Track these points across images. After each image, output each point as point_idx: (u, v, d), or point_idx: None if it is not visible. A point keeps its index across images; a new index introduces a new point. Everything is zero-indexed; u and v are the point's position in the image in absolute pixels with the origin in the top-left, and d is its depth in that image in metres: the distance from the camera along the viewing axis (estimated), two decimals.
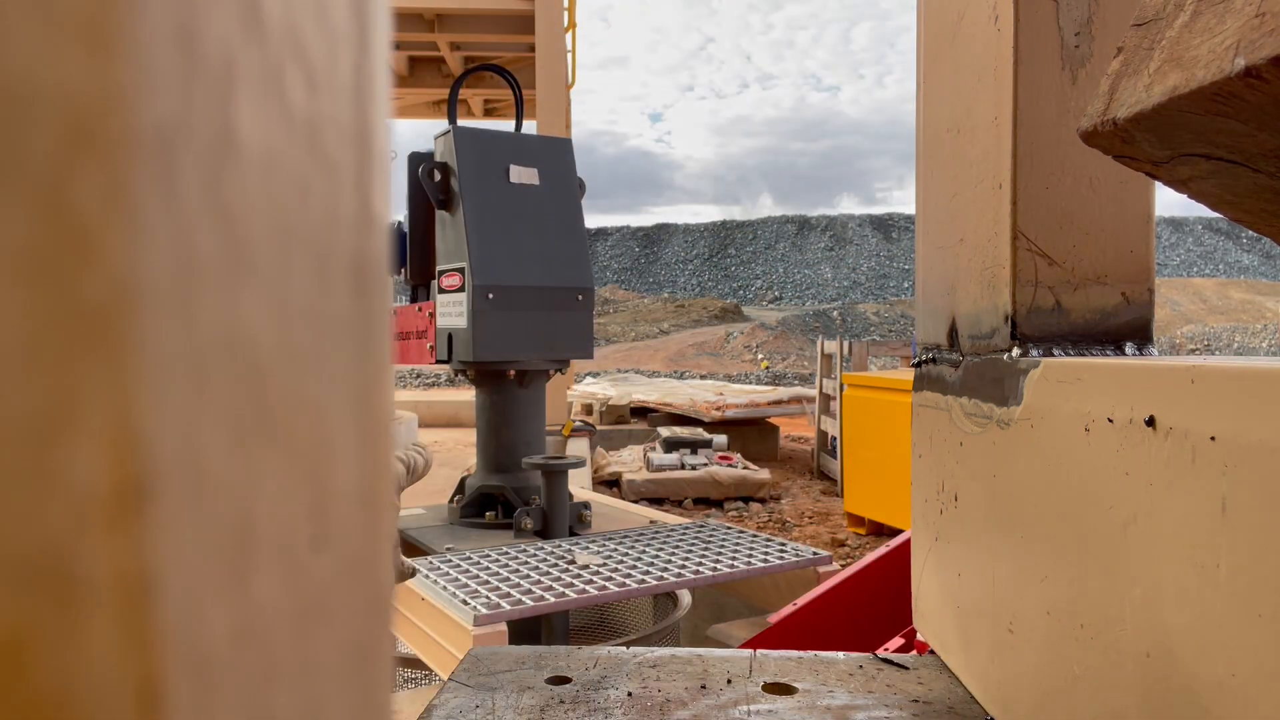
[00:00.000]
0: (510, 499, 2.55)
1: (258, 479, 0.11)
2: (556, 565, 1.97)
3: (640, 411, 10.39)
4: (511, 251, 2.54)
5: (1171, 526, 0.41)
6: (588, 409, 10.08)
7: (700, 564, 2.01)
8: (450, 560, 2.02)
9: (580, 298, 2.64)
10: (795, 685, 0.73)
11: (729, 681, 0.74)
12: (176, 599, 0.09)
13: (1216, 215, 0.42)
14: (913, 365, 0.83)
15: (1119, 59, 0.40)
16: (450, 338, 2.56)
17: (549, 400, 3.54)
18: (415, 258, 2.78)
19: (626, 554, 2.09)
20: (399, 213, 2.89)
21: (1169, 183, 0.42)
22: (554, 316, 2.61)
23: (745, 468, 7.50)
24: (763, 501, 7.27)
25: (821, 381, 8.64)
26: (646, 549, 2.14)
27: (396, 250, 2.86)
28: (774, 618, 1.87)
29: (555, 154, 2.73)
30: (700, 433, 8.27)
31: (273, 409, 0.12)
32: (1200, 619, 0.39)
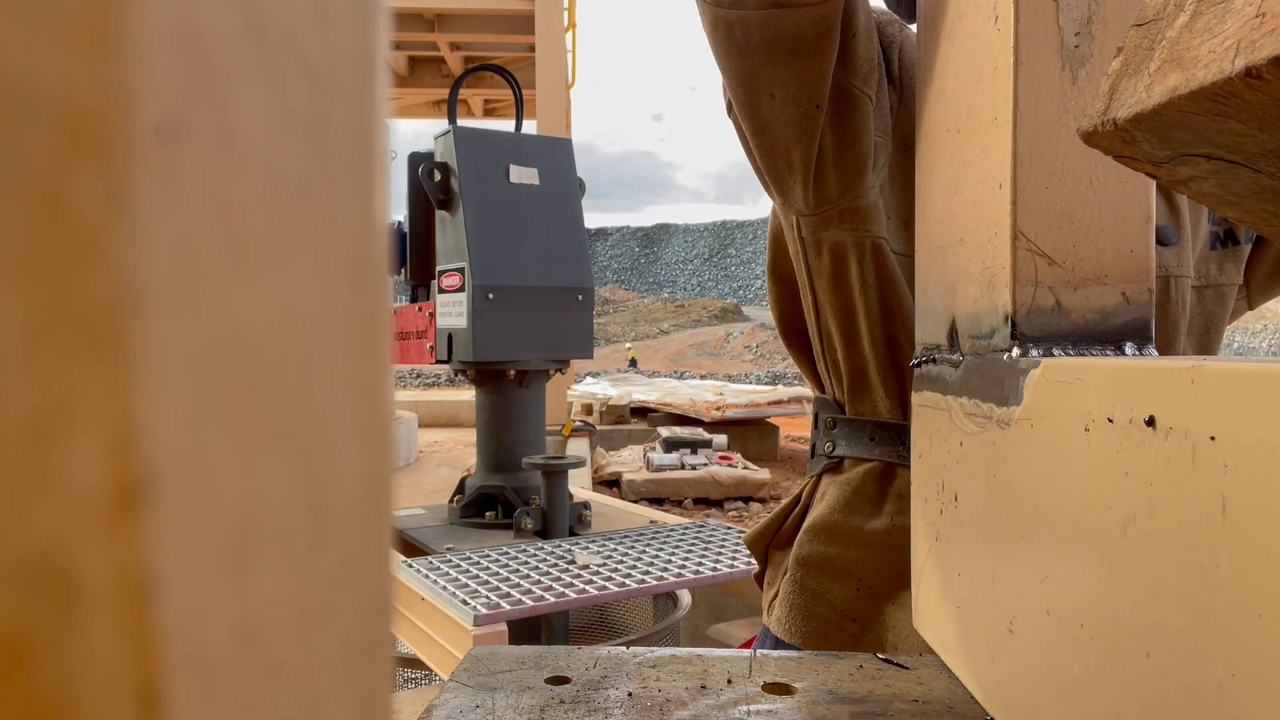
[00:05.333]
0: (510, 499, 2.55)
1: (258, 479, 0.11)
2: (556, 565, 1.97)
3: (640, 411, 10.39)
4: (511, 251, 2.54)
5: (1171, 526, 0.41)
6: (588, 409, 10.09)
7: (700, 564, 2.01)
8: (450, 560, 2.02)
9: (580, 298, 2.64)
10: (795, 685, 0.73)
11: (729, 681, 0.74)
12: (176, 599, 0.09)
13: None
14: (912, 365, 0.83)
15: (1119, 59, 0.40)
16: (450, 338, 2.56)
17: (549, 400, 3.54)
18: (415, 258, 2.78)
19: (626, 554, 2.09)
20: (399, 213, 2.89)
21: (1169, 183, 0.42)
22: (554, 316, 2.60)
23: (745, 468, 7.50)
24: (763, 501, 7.26)
25: None
26: (646, 549, 2.14)
27: (396, 250, 2.86)
28: None
29: (555, 154, 2.73)
30: (700, 433, 8.27)
31: (273, 409, 0.12)
32: (1200, 619, 0.39)
